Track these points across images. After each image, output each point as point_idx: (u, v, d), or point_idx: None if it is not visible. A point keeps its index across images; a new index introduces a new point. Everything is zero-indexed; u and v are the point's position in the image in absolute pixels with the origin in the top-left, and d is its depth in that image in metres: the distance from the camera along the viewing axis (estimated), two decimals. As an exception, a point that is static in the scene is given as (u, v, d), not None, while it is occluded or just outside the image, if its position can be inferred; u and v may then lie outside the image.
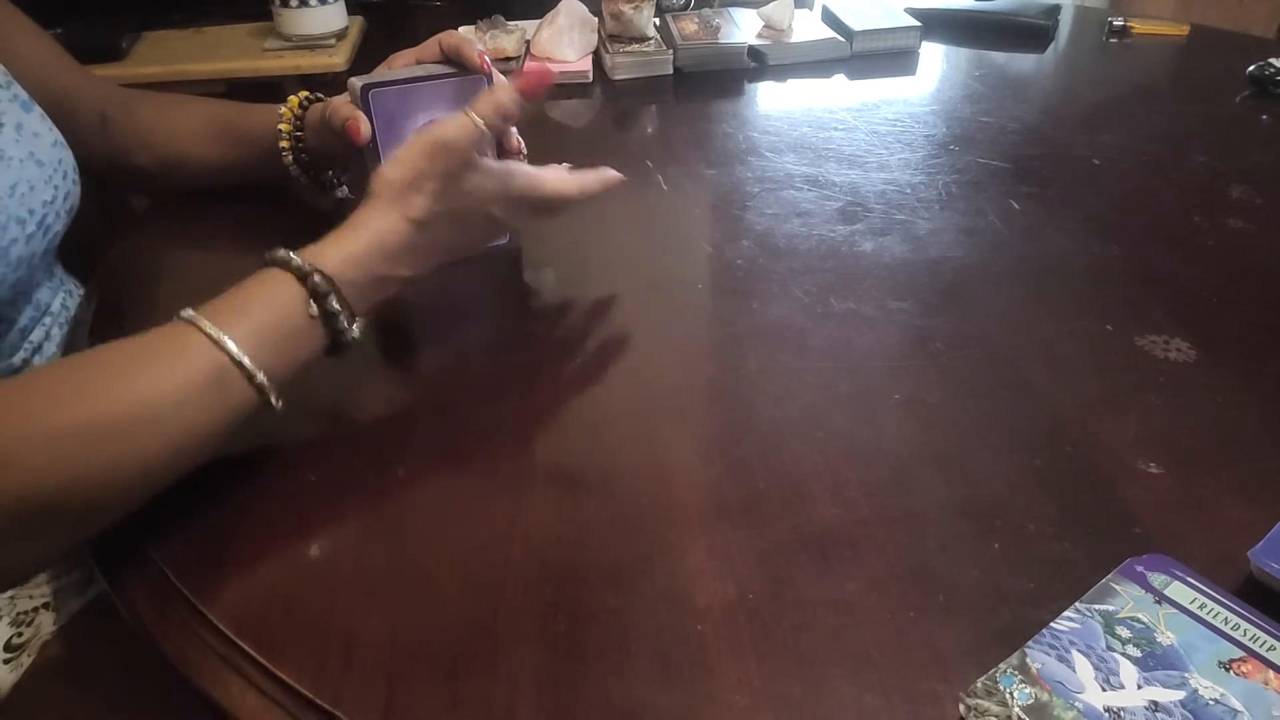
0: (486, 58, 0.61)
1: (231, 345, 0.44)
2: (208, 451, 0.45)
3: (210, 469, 0.46)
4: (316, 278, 0.46)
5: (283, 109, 0.69)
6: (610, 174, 0.60)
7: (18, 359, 0.63)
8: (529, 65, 0.52)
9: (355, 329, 0.49)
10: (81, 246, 0.71)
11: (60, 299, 0.67)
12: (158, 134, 0.73)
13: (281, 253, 0.47)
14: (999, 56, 1.10)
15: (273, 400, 0.45)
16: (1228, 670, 0.36)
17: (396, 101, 0.60)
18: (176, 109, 0.74)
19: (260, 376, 0.44)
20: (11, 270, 0.58)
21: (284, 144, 0.69)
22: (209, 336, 0.44)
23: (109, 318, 0.63)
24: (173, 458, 0.43)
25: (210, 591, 0.42)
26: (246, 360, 0.44)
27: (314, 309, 0.47)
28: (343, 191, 0.75)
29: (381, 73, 0.63)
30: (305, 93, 0.70)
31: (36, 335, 0.64)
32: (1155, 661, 0.37)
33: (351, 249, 0.49)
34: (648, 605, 0.41)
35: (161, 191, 0.79)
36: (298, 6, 1.37)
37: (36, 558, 0.43)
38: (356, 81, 0.59)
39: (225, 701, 0.39)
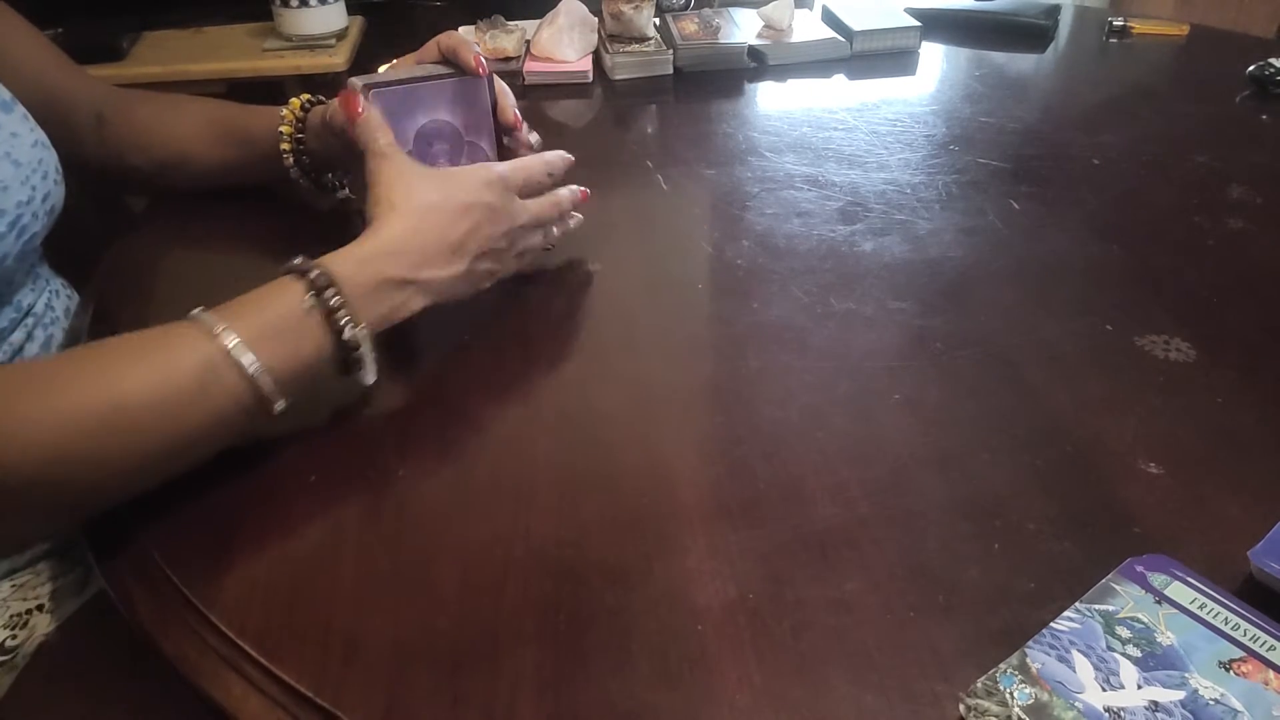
0: (483, 59, 0.61)
1: (225, 337, 0.45)
2: (206, 446, 0.46)
3: (210, 469, 0.46)
4: (315, 273, 0.48)
5: (284, 111, 0.69)
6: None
7: None
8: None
9: (362, 333, 0.49)
10: (76, 247, 0.71)
11: (44, 300, 0.66)
12: (155, 135, 0.73)
13: (292, 260, 0.49)
14: (999, 56, 1.10)
15: (268, 394, 0.46)
16: (1228, 670, 0.36)
17: (396, 101, 0.60)
18: (174, 110, 0.74)
19: (252, 369, 0.45)
20: None
21: (285, 146, 0.68)
22: (207, 330, 0.45)
23: (105, 318, 0.63)
24: (165, 448, 0.44)
25: (210, 591, 0.42)
26: (235, 348, 0.45)
27: (309, 302, 0.48)
28: (343, 193, 0.75)
29: (382, 73, 0.63)
30: (306, 95, 0.70)
31: (17, 337, 0.63)
32: (1155, 661, 0.37)
33: (356, 250, 0.51)
34: (648, 605, 0.41)
35: (159, 192, 0.79)
36: (298, 6, 1.37)
37: (26, 535, 0.45)
38: (357, 81, 0.59)
39: (226, 702, 0.38)
